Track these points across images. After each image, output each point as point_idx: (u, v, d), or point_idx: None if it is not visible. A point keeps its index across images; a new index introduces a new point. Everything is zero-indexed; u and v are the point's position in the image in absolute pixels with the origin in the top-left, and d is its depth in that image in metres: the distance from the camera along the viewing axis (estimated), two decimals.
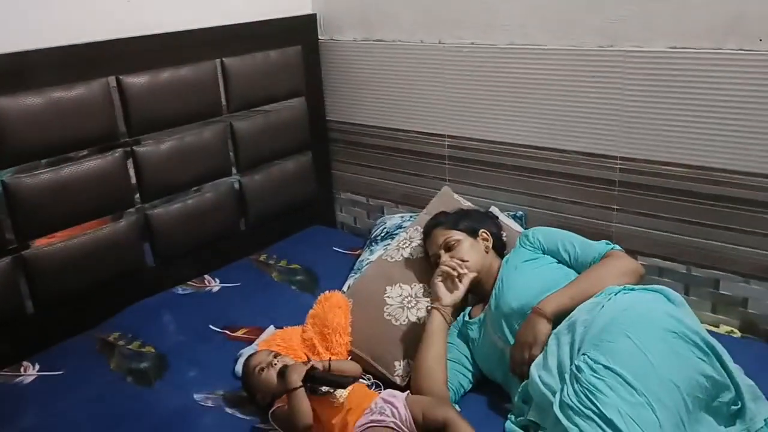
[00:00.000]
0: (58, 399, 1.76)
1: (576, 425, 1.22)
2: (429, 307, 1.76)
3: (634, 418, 1.19)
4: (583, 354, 1.32)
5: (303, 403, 1.50)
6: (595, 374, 1.27)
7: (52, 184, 1.96)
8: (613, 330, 1.35)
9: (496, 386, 1.70)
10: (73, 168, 2.00)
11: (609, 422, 1.19)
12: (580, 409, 1.24)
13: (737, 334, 1.93)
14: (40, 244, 2.00)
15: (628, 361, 1.27)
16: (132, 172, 2.17)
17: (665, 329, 1.34)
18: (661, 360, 1.28)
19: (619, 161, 2.02)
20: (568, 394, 1.28)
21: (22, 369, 1.89)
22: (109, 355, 1.94)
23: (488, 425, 1.56)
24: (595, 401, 1.23)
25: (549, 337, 1.48)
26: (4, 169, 1.90)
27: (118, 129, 2.11)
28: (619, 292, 1.48)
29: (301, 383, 1.52)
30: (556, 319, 1.51)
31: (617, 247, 1.70)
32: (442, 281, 1.74)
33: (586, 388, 1.25)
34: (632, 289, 1.49)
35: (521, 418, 1.50)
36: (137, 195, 2.21)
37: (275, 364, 1.62)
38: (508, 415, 1.57)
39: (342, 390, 1.57)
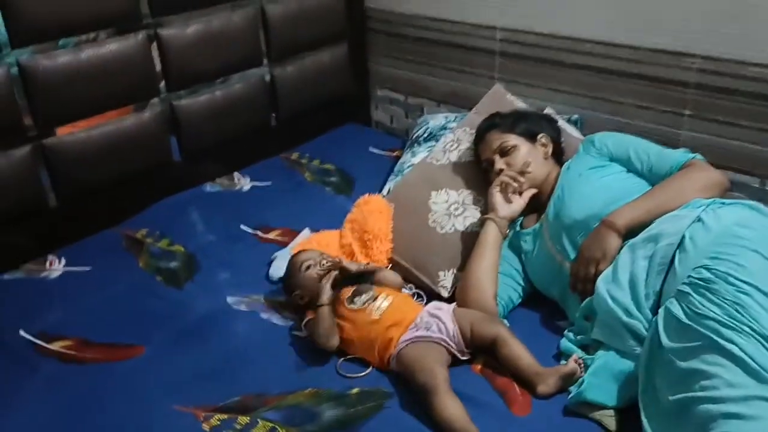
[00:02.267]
0: (85, 296, 1.70)
1: (732, 341, 1.06)
2: (484, 218, 1.64)
3: None
4: (704, 267, 1.17)
5: (325, 322, 1.45)
6: (738, 289, 1.12)
7: (71, 67, 1.82)
8: (732, 244, 1.20)
9: (549, 301, 1.59)
10: (93, 50, 1.85)
11: None
12: (734, 324, 1.08)
13: None
14: (61, 133, 1.89)
15: (765, 278, 1.13)
16: (156, 57, 2.00)
17: None
18: None
19: (698, 60, 1.80)
20: (701, 304, 1.12)
21: (47, 264, 1.82)
22: (137, 252, 1.86)
23: (539, 342, 1.46)
24: (751, 318, 1.08)
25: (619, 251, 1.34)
26: (20, 48, 1.75)
27: (140, 8, 1.93)
28: (710, 205, 1.32)
29: (326, 302, 1.46)
30: (629, 235, 1.37)
31: (699, 156, 1.53)
32: (500, 191, 1.61)
33: (733, 302, 1.10)
34: (726, 203, 1.33)
35: (581, 336, 1.39)
36: (162, 83, 2.05)
37: (324, 264, 1.53)
38: (565, 332, 1.46)
39: (381, 303, 1.47)
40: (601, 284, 1.33)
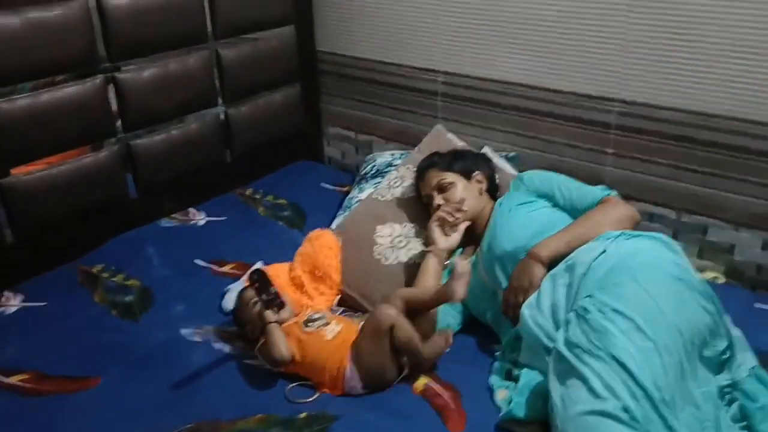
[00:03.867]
0: (41, 330, 1.74)
1: (586, 363, 1.21)
2: (424, 251, 1.75)
3: (644, 363, 1.19)
4: (588, 296, 1.32)
5: (275, 336, 1.52)
6: (605, 316, 1.26)
7: (31, 110, 1.88)
8: (620, 274, 1.34)
9: (486, 327, 1.71)
10: (51, 94, 1.91)
11: (622, 365, 1.19)
12: (590, 348, 1.23)
13: (721, 279, 1.95)
14: (20, 172, 1.94)
15: (638, 305, 1.27)
16: (113, 99, 2.09)
17: (672, 276, 1.35)
18: (669, 306, 1.28)
19: (617, 104, 1.98)
20: (575, 334, 1.27)
21: (3, 299, 1.86)
22: (93, 287, 1.91)
23: (476, 365, 1.58)
24: (607, 343, 1.22)
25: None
26: None
27: (98, 53, 2.01)
28: (619, 236, 1.47)
29: (274, 319, 1.54)
30: (551, 264, 1.51)
31: (614, 192, 1.69)
32: (438, 226, 1.73)
33: (597, 329, 1.25)
34: (632, 235, 1.48)
35: (512, 354, 1.51)
36: (119, 124, 2.12)
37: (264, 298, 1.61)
38: (495, 354, 1.58)
39: (333, 327, 1.57)
40: (526, 310, 1.46)
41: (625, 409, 1.15)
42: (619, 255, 1.41)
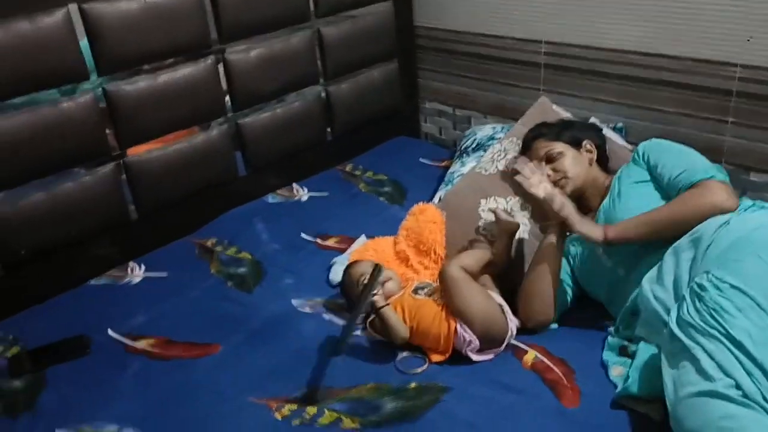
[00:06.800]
0: (163, 299, 1.84)
1: (698, 343, 1.16)
2: (545, 224, 1.64)
3: (763, 341, 1.13)
4: (706, 272, 1.25)
5: (392, 319, 1.54)
6: (722, 293, 1.20)
7: (150, 91, 1.98)
8: (742, 249, 1.26)
9: (596, 304, 1.67)
10: (168, 75, 2.01)
11: (738, 345, 1.13)
12: (703, 328, 1.17)
13: None
14: (138, 151, 2.05)
15: (758, 282, 1.19)
16: (223, 79, 2.16)
17: None
18: None
19: (738, 69, 1.86)
20: (688, 312, 1.21)
21: (129, 270, 1.98)
22: (209, 259, 2.01)
23: (588, 341, 1.55)
24: (723, 321, 1.16)
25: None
26: (105, 76, 1.93)
27: (209, 35, 2.09)
28: (749, 208, 1.38)
29: (383, 303, 1.54)
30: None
31: (722, 175, 1.49)
32: (549, 198, 1.60)
33: (712, 308, 1.19)
34: (761, 206, 1.39)
35: (625, 332, 1.47)
36: (228, 103, 2.21)
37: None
38: (608, 330, 1.54)
39: (439, 293, 1.59)
40: (646, 284, 1.40)
41: (737, 387, 1.09)
42: (742, 229, 1.32)
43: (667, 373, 1.20)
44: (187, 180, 2.14)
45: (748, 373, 1.10)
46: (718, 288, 1.21)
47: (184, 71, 2.04)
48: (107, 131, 1.96)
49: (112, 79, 1.95)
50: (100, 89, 1.92)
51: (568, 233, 1.60)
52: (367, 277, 1.56)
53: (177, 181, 2.11)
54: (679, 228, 1.42)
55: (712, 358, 1.14)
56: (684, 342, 1.18)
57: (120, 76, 1.97)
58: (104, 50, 1.87)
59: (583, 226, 1.53)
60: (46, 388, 1.54)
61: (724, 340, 1.14)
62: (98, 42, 1.86)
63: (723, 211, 1.40)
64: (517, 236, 1.74)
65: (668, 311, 1.34)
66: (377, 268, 1.53)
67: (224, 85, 2.18)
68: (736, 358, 1.12)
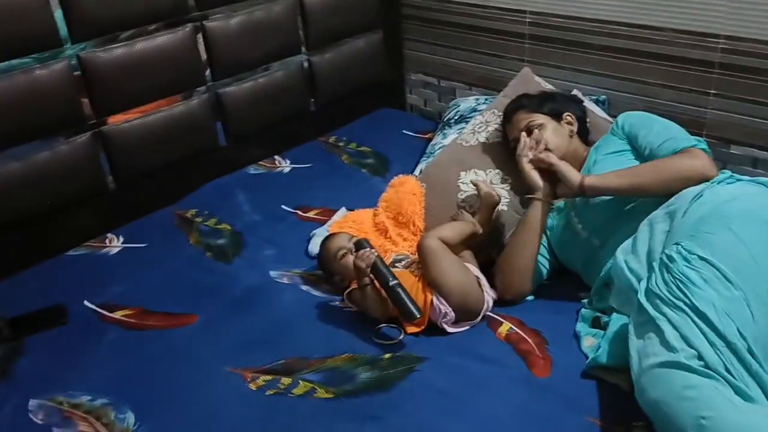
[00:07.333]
0: (142, 269, 1.84)
1: (664, 315, 1.17)
2: (530, 197, 1.63)
3: (729, 313, 1.14)
4: (677, 243, 1.26)
5: (371, 298, 1.54)
6: (689, 264, 1.20)
7: (126, 59, 1.96)
8: (713, 221, 1.27)
9: (572, 276, 1.67)
10: (145, 43, 1.98)
11: (702, 315, 1.14)
12: (669, 299, 1.18)
13: None
14: (117, 120, 2.03)
15: (727, 254, 1.20)
16: (202, 48, 2.13)
17: None
18: (764, 256, 1.20)
19: (722, 40, 1.84)
20: (656, 283, 1.22)
21: (107, 241, 1.97)
22: (188, 230, 2.00)
23: (562, 313, 1.56)
24: (687, 292, 1.17)
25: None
26: (79, 43, 1.90)
27: (187, 1, 2.05)
28: (722, 181, 1.38)
29: (368, 281, 1.54)
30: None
31: (703, 145, 1.51)
32: (533, 169, 1.62)
33: (678, 279, 1.19)
34: (736, 179, 1.39)
35: (599, 304, 1.47)
36: (208, 72, 2.18)
37: (354, 252, 1.61)
38: (582, 302, 1.55)
39: (416, 265, 1.59)
40: (620, 255, 1.40)
41: (700, 357, 1.10)
42: (716, 201, 1.32)
43: (633, 344, 1.21)
44: (166, 150, 2.12)
45: (711, 344, 1.11)
46: (686, 259, 1.21)
47: (162, 39, 2.01)
48: (83, 100, 1.93)
49: (88, 47, 1.92)
50: (75, 57, 1.89)
51: (552, 206, 1.61)
52: (350, 250, 1.60)
53: (156, 151, 2.09)
54: (658, 187, 1.43)
55: (676, 329, 1.14)
56: (650, 313, 1.19)
57: (96, 43, 1.93)
58: (77, 15, 1.84)
59: (566, 166, 1.56)
60: (23, 357, 1.54)
61: (689, 312, 1.15)
62: (72, 7, 1.83)
63: (704, 178, 1.41)
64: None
65: (640, 281, 1.35)
66: (365, 244, 1.57)
67: (204, 53, 2.15)
68: (700, 329, 1.13)
